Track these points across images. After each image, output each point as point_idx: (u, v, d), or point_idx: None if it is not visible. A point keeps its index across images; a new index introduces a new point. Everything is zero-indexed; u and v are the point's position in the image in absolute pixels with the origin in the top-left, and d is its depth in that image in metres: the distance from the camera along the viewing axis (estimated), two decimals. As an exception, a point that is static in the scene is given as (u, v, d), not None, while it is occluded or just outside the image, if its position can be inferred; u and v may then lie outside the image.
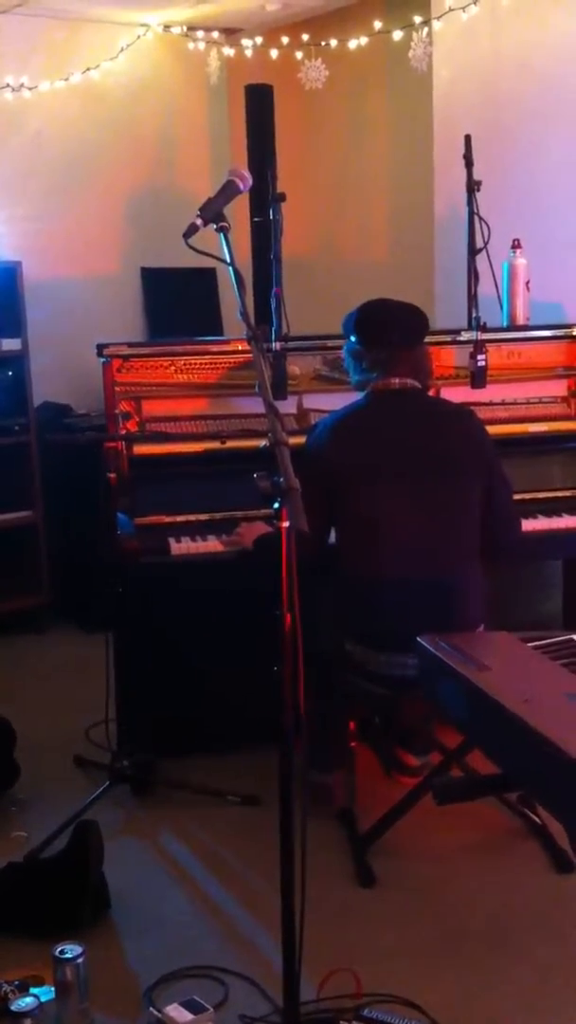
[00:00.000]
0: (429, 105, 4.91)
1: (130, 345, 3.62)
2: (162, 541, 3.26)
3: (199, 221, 2.32)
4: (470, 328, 3.68)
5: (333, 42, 5.10)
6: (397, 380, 3.03)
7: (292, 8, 5.26)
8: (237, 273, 2.25)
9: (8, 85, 5.19)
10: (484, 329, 3.67)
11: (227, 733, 3.61)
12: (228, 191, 2.39)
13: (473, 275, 3.70)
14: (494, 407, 3.76)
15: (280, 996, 2.20)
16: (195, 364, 3.60)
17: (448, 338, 3.72)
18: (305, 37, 5.13)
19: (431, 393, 3.56)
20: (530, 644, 2.38)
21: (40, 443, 5.02)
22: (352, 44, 5.07)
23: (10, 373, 4.95)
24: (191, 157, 5.83)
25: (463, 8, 4.56)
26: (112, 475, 3.40)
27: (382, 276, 5.54)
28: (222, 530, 3.30)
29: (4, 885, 2.74)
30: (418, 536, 2.93)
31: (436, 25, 4.71)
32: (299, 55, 5.10)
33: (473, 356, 3.66)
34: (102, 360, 3.52)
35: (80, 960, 2.33)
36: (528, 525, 3.41)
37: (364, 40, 5.04)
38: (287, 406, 3.59)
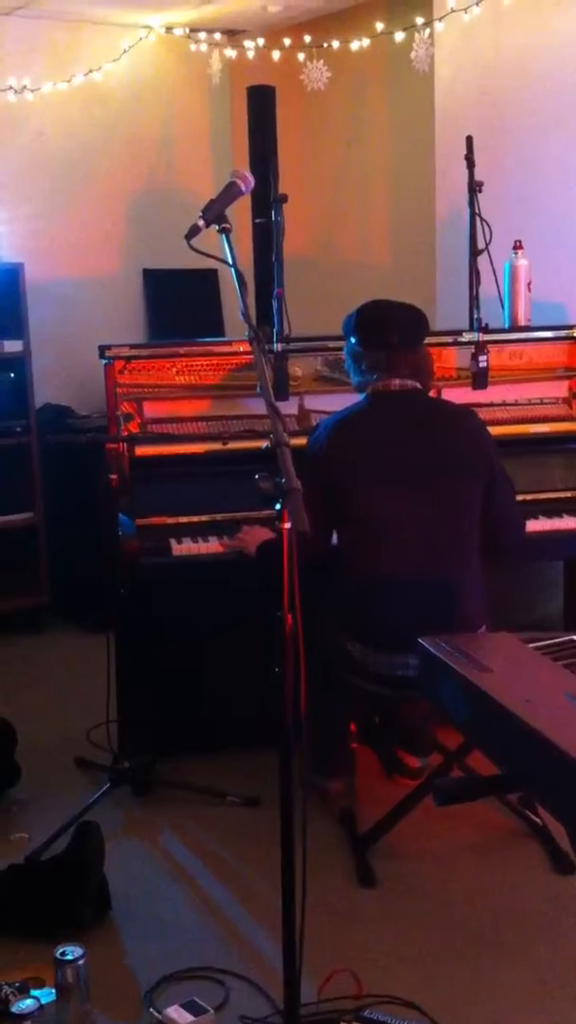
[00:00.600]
0: (431, 106, 4.92)
1: (132, 346, 3.63)
2: (163, 542, 3.26)
3: (201, 222, 2.32)
4: (471, 329, 3.68)
5: (335, 43, 5.11)
6: (397, 381, 3.03)
7: (294, 9, 5.27)
8: (239, 274, 2.25)
9: (11, 87, 5.19)
10: (485, 330, 3.68)
11: (228, 734, 3.61)
12: (230, 192, 2.39)
13: (474, 276, 3.70)
14: (495, 408, 3.76)
15: (281, 997, 2.20)
16: (197, 365, 3.60)
17: (449, 339, 3.72)
18: (307, 38, 5.14)
19: (432, 394, 3.56)
20: (531, 645, 2.38)
21: (41, 444, 5.02)
22: (354, 45, 5.07)
23: (12, 374, 4.95)
24: (193, 158, 5.84)
25: (465, 9, 4.56)
26: (113, 476, 3.40)
27: (383, 277, 5.54)
28: (223, 531, 3.30)
29: (5, 886, 2.74)
30: (419, 537, 2.93)
31: (438, 26, 4.72)
32: (301, 56, 5.10)
33: (474, 357, 3.66)
34: (104, 361, 3.52)
35: (81, 962, 2.33)
36: (529, 526, 3.40)
37: (366, 41, 5.04)
38: (288, 407, 3.59)
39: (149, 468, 3.45)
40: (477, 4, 4.52)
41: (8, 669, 4.62)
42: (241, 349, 3.60)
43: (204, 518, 3.38)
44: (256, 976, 2.48)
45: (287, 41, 5.16)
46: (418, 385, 3.07)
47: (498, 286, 3.93)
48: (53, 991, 2.35)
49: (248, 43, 5.26)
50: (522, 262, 3.94)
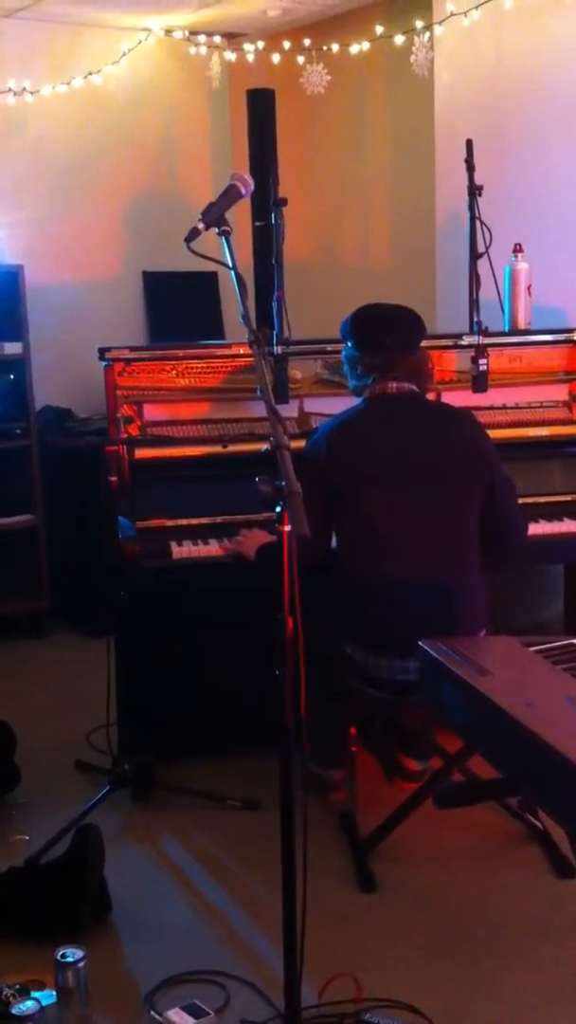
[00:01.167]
0: (430, 110, 4.92)
1: (132, 349, 3.63)
2: (163, 545, 3.26)
3: (201, 225, 2.33)
4: (471, 332, 3.68)
5: (335, 47, 5.11)
6: (395, 385, 3.03)
7: (294, 13, 5.27)
8: (239, 277, 2.26)
9: (10, 89, 5.19)
10: (486, 333, 3.68)
11: (228, 737, 3.61)
12: (230, 195, 2.39)
13: (474, 279, 3.71)
14: (495, 411, 3.77)
15: (281, 1000, 2.20)
16: (196, 368, 3.61)
17: (450, 342, 3.72)
18: (307, 42, 5.14)
19: (432, 397, 3.56)
20: (532, 648, 2.38)
21: (41, 447, 5.02)
22: (354, 49, 5.08)
23: (11, 377, 4.95)
24: (193, 161, 5.84)
25: (464, 13, 4.57)
26: (113, 479, 3.40)
27: (383, 280, 5.54)
28: (223, 534, 3.30)
29: (4, 889, 2.74)
30: (418, 540, 2.93)
31: (438, 30, 4.72)
32: (301, 60, 5.11)
33: (474, 360, 3.66)
34: (103, 364, 3.52)
35: (81, 964, 2.33)
36: (530, 529, 3.40)
37: (366, 45, 5.04)
38: (288, 410, 3.59)
39: (149, 471, 3.45)
40: (477, 8, 4.52)
41: (8, 672, 4.61)
42: (241, 352, 3.61)
43: (204, 521, 3.38)
44: (257, 979, 2.48)
45: (287, 44, 5.16)
46: (416, 388, 3.07)
47: (498, 290, 3.94)
48: (53, 993, 2.36)
49: (248, 46, 5.26)
50: (522, 266, 3.95)
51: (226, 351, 3.65)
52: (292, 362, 3.59)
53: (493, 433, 3.19)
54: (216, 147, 5.91)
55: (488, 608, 3.04)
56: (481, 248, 3.71)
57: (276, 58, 5.17)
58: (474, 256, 3.72)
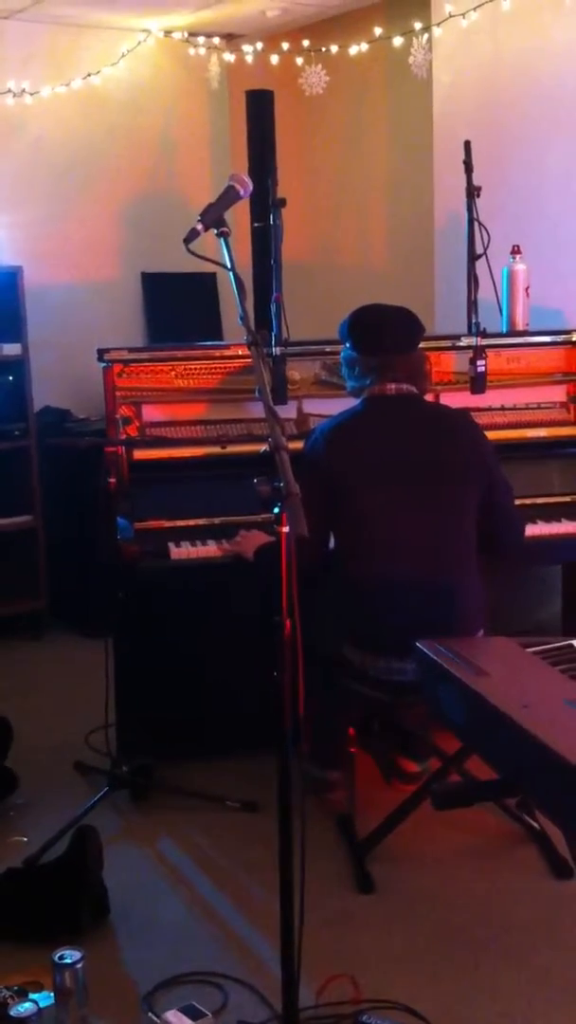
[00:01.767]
0: (429, 111, 4.92)
1: (130, 350, 3.63)
2: (162, 545, 3.26)
3: (200, 226, 2.33)
4: (470, 334, 3.68)
5: (333, 48, 5.11)
6: (393, 386, 3.03)
7: (292, 14, 5.27)
8: (237, 278, 2.26)
9: (10, 90, 5.20)
10: (484, 335, 3.68)
11: (226, 738, 3.61)
12: (228, 196, 2.39)
13: (473, 281, 3.71)
14: (493, 412, 3.77)
15: (279, 1002, 2.20)
16: (195, 369, 3.60)
17: (448, 343, 3.72)
18: (305, 43, 5.15)
19: (430, 398, 3.56)
20: (529, 649, 2.38)
21: (40, 447, 5.02)
22: (352, 50, 5.08)
23: (10, 377, 4.95)
24: (191, 162, 5.84)
25: (463, 14, 4.57)
26: (112, 479, 3.40)
27: (382, 281, 5.55)
28: (222, 535, 3.30)
29: (3, 890, 2.74)
30: (416, 541, 2.93)
31: (436, 31, 4.72)
32: (299, 61, 5.11)
33: (473, 361, 3.66)
34: (102, 365, 3.52)
35: (79, 965, 2.33)
36: (528, 530, 3.40)
37: (364, 46, 5.05)
38: (287, 411, 3.59)
39: (147, 471, 3.45)
40: (475, 9, 4.52)
41: (7, 673, 4.61)
42: (240, 353, 3.61)
43: (202, 522, 3.38)
44: (254, 980, 2.48)
45: (285, 45, 5.17)
46: (414, 389, 3.07)
47: (496, 291, 3.94)
48: (51, 995, 2.35)
49: (247, 47, 5.27)
50: (520, 267, 3.95)
51: (225, 352, 3.65)
52: (291, 363, 3.59)
53: (491, 434, 3.19)
54: (215, 148, 5.91)
55: (486, 609, 3.04)
56: (479, 249, 3.72)
57: (275, 59, 5.18)
58: (472, 257, 3.72)
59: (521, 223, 4.32)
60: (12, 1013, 2.26)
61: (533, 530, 3.43)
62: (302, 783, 2.17)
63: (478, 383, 3.67)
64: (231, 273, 2.25)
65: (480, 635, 2.98)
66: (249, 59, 5.25)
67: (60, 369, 5.29)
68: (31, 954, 2.54)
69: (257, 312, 4.16)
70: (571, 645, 2.40)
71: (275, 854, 2.11)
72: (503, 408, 3.79)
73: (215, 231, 2.32)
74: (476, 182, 3.74)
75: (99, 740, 3.64)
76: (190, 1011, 2.33)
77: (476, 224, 3.71)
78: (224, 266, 2.28)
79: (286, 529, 2.01)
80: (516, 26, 4.47)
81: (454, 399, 3.67)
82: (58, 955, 2.34)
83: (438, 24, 4.70)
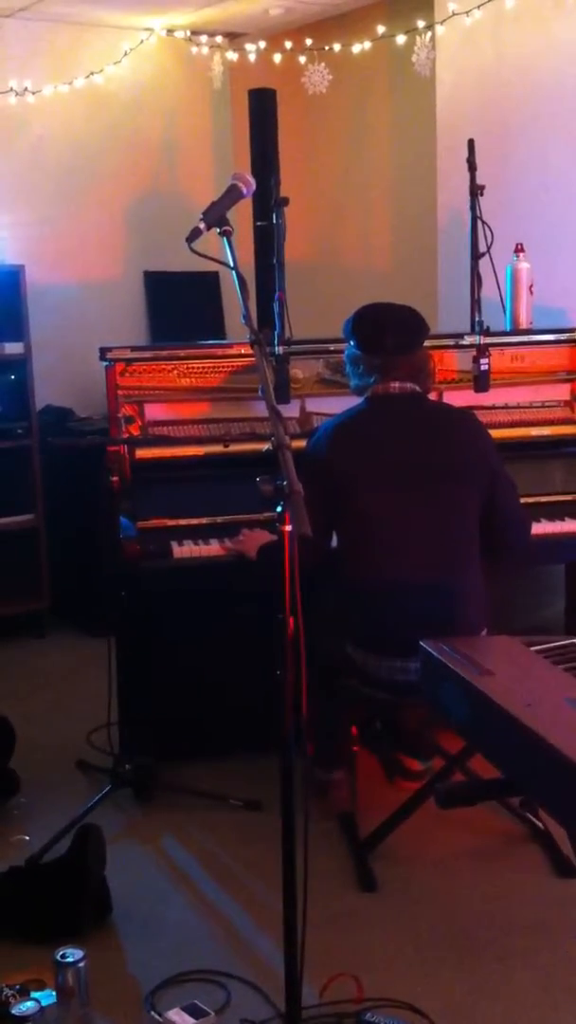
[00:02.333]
0: (432, 109, 4.92)
1: (133, 349, 3.62)
2: (164, 545, 3.26)
3: (202, 225, 2.33)
4: (473, 332, 3.68)
5: (336, 46, 5.11)
6: (396, 384, 3.02)
7: (295, 12, 5.27)
8: (240, 277, 2.25)
9: (12, 89, 5.19)
10: (487, 333, 3.68)
11: (229, 737, 3.60)
12: (231, 195, 2.39)
13: (476, 279, 3.70)
14: (497, 411, 3.76)
15: (282, 1000, 2.20)
16: (198, 368, 3.60)
17: (451, 342, 3.72)
18: (308, 41, 5.14)
19: (434, 397, 3.56)
20: (533, 648, 2.38)
21: (42, 447, 5.02)
22: (355, 48, 5.08)
23: (13, 377, 4.95)
24: (194, 161, 5.84)
25: (466, 13, 4.56)
26: (114, 479, 3.40)
27: (385, 280, 5.54)
28: (224, 534, 3.30)
29: (5, 889, 2.74)
30: (419, 540, 2.92)
31: (439, 30, 4.72)
32: (302, 59, 5.11)
33: (476, 360, 3.66)
34: (105, 364, 3.52)
35: (81, 964, 2.32)
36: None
37: (367, 44, 5.04)
38: (290, 410, 3.59)
39: (150, 470, 3.44)
40: (479, 8, 4.52)
41: (9, 672, 4.62)
42: (242, 352, 3.60)
43: (205, 521, 3.38)
44: (257, 979, 2.48)
45: (288, 44, 5.16)
46: (417, 388, 3.06)
47: (500, 289, 3.94)
48: (53, 993, 2.35)
49: (249, 46, 5.26)
50: (523, 265, 3.95)
51: (227, 351, 3.65)
52: (293, 362, 3.58)
53: (495, 433, 3.19)
54: (217, 147, 5.91)
55: (489, 608, 3.04)
56: (483, 248, 3.71)
57: (278, 58, 5.17)
58: (476, 256, 3.71)
59: (524, 221, 4.32)
60: (14, 1012, 2.26)
61: (537, 529, 3.42)
62: (305, 783, 2.16)
63: (481, 382, 3.67)
64: (234, 272, 2.25)
65: (483, 634, 2.98)
66: (252, 58, 5.24)
67: (62, 368, 5.29)
68: (33, 953, 2.54)
69: (260, 311, 4.16)
70: (574, 644, 2.40)
71: (278, 852, 2.11)
72: (506, 407, 3.79)
73: (218, 230, 2.31)
74: (479, 180, 3.73)
75: (101, 739, 3.64)
76: (193, 1010, 2.33)
77: (479, 222, 3.70)
78: (227, 265, 2.28)
79: (289, 528, 2.01)
80: (519, 24, 4.46)
81: (457, 398, 3.67)
82: (60, 954, 2.34)
83: (441, 22, 4.70)
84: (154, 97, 5.67)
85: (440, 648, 2.40)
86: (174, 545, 3.26)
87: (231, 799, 3.31)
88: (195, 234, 2.32)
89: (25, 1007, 2.28)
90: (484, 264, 3.72)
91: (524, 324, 3.97)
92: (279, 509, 2.03)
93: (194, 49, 5.50)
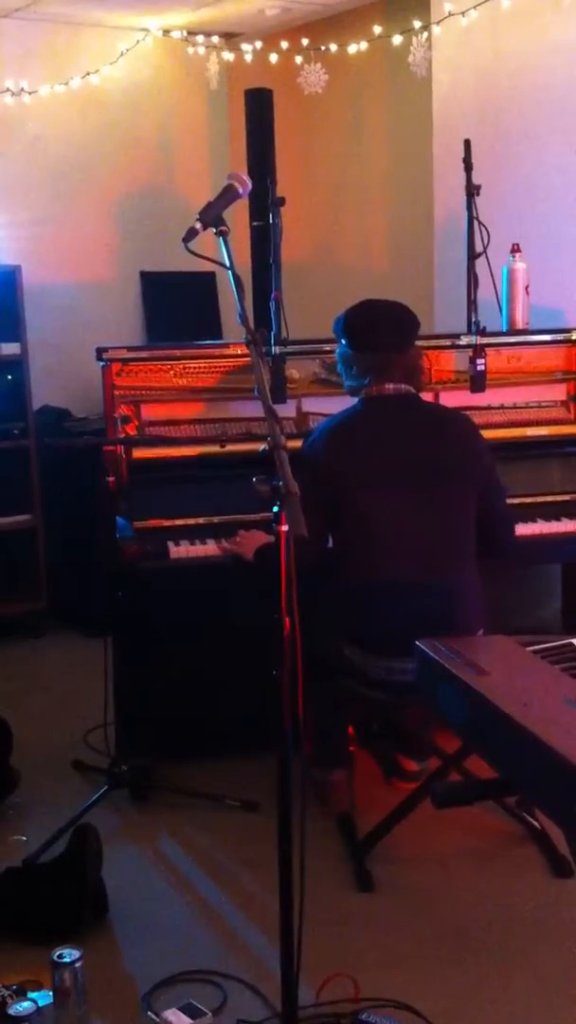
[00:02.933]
0: (428, 110, 4.92)
1: (129, 349, 3.63)
2: (161, 545, 3.26)
3: (199, 225, 2.32)
4: (470, 332, 3.68)
5: (333, 47, 5.11)
6: (391, 386, 3.02)
7: (292, 13, 5.27)
8: (236, 277, 2.25)
9: (8, 89, 5.19)
10: (483, 333, 3.68)
11: (226, 737, 3.60)
12: (227, 195, 2.39)
13: (472, 279, 3.70)
14: (493, 411, 3.77)
15: (278, 1001, 2.20)
16: (194, 368, 3.60)
17: (447, 342, 3.72)
18: (305, 42, 5.14)
19: (430, 397, 3.56)
20: (529, 648, 2.38)
21: (39, 447, 5.01)
22: (352, 49, 5.08)
23: (9, 377, 4.95)
24: (190, 161, 5.84)
25: (463, 13, 4.57)
26: (111, 479, 3.40)
27: (381, 280, 5.54)
28: (221, 534, 3.30)
29: (2, 889, 2.74)
30: (415, 541, 2.93)
31: (436, 30, 4.72)
32: (299, 60, 5.11)
33: (472, 360, 3.66)
34: (101, 364, 3.52)
35: (78, 964, 2.32)
36: (527, 529, 3.41)
37: (364, 45, 5.04)
38: (286, 410, 3.59)
39: (147, 471, 3.44)
40: (475, 8, 4.52)
41: (6, 672, 4.61)
42: (239, 352, 3.60)
43: (201, 521, 3.38)
44: (254, 979, 2.48)
45: (285, 44, 5.16)
46: (412, 389, 3.06)
47: (496, 289, 3.93)
48: (50, 994, 2.35)
49: (246, 46, 5.26)
50: (520, 266, 3.95)
51: (224, 351, 3.65)
52: (290, 362, 3.59)
53: (491, 433, 3.19)
54: (214, 147, 5.91)
55: (485, 608, 3.04)
56: (479, 248, 3.71)
57: (274, 58, 5.17)
58: (472, 256, 3.72)
59: (521, 222, 4.32)
60: (11, 1012, 2.26)
61: (533, 529, 3.43)
62: (302, 783, 2.16)
63: (478, 382, 3.67)
64: (230, 272, 2.25)
65: (480, 634, 2.98)
66: (248, 58, 5.24)
67: (59, 368, 5.29)
68: (30, 953, 2.54)
69: (256, 311, 4.16)
70: (571, 644, 2.40)
71: (275, 852, 2.11)
72: (503, 407, 3.79)
73: (214, 230, 2.31)
74: (476, 180, 3.74)
75: (98, 739, 3.64)
76: (189, 1010, 2.33)
77: (476, 223, 3.71)
78: (223, 265, 2.28)
79: (285, 528, 2.01)
80: (515, 25, 4.46)
81: (454, 398, 3.67)
82: (57, 954, 2.34)
83: (437, 23, 4.70)
84: (150, 97, 5.67)
85: (437, 648, 2.40)
86: (171, 545, 3.26)
87: (228, 799, 3.31)
88: (191, 234, 2.31)
89: (22, 1007, 2.28)
90: (480, 264, 3.72)
91: (520, 324, 3.97)
92: (275, 509, 2.03)
93: (190, 49, 5.49)
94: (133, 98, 5.61)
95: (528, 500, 3.51)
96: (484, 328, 3.68)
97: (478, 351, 3.66)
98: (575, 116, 4.31)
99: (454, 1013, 2.37)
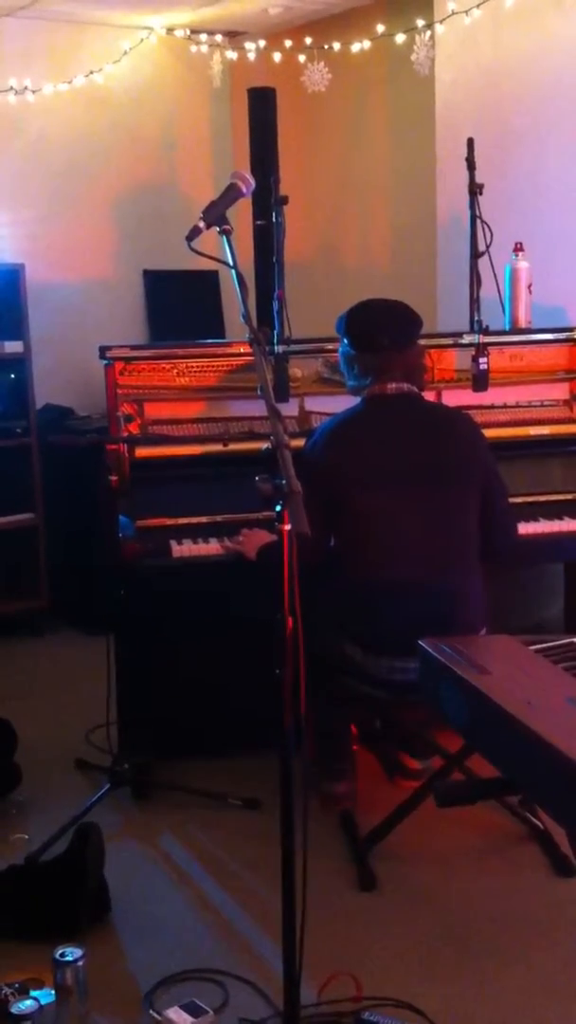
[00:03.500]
0: (431, 108, 4.92)
1: (132, 348, 3.63)
2: (163, 544, 3.26)
3: (202, 224, 2.32)
4: (472, 331, 3.68)
5: (336, 45, 5.11)
6: (393, 385, 3.02)
7: (295, 11, 5.27)
8: (239, 276, 2.25)
9: (11, 88, 5.19)
10: (486, 332, 3.68)
11: (228, 736, 3.60)
12: (231, 194, 2.39)
13: (475, 278, 3.70)
14: (496, 410, 3.76)
15: (280, 999, 2.20)
16: (197, 367, 3.60)
17: (450, 341, 3.72)
18: (308, 40, 5.14)
19: (433, 396, 3.56)
20: (532, 647, 2.38)
21: (41, 445, 5.02)
22: (355, 47, 5.07)
23: (12, 375, 4.95)
24: (194, 160, 5.84)
25: (466, 12, 4.56)
26: (114, 478, 3.40)
27: (384, 279, 5.54)
28: (224, 533, 3.30)
29: (4, 887, 2.74)
30: (417, 540, 2.92)
31: (439, 29, 4.72)
32: (302, 58, 5.10)
33: (475, 359, 3.66)
34: (104, 362, 3.52)
35: (80, 963, 2.33)
36: (529, 528, 3.40)
37: (367, 43, 5.04)
38: (289, 408, 3.59)
39: (149, 469, 3.44)
40: (478, 7, 4.52)
41: (8, 671, 4.61)
42: (241, 351, 3.60)
43: (204, 519, 3.38)
44: (256, 978, 2.48)
45: (288, 43, 5.16)
46: (414, 388, 3.06)
47: (499, 288, 3.93)
48: (52, 992, 2.35)
49: (249, 45, 5.26)
50: (523, 264, 3.95)
51: (227, 350, 3.65)
52: (293, 361, 3.58)
53: (493, 432, 3.19)
54: (217, 146, 5.91)
55: (488, 607, 3.04)
56: (482, 247, 3.71)
57: (277, 57, 5.17)
58: (475, 255, 3.71)
59: (524, 220, 4.32)
60: (13, 1010, 2.26)
61: (535, 528, 3.42)
62: (305, 782, 2.16)
63: (480, 381, 3.67)
64: (233, 271, 2.25)
65: (482, 633, 2.98)
66: (251, 57, 5.24)
67: (62, 367, 5.29)
68: (32, 951, 2.54)
69: (259, 310, 4.16)
70: (574, 643, 2.40)
71: (277, 851, 2.11)
72: (505, 406, 3.79)
73: (217, 229, 2.31)
74: (478, 179, 3.73)
75: (100, 738, 3.64)
76: (191, 1008, 2.33)
77: (478, 221, 3.70)
78: (226, 264, 2.28)
79: (288, 527, 2.01)
80: (518, 24, 4.46)
81: (456, 397, 3.67)
82: (59, 952, 2.34)
83: (440, 21, 4.70)
84: (154, 96, 5.67)
85: (439, 647, 2.40)
86: (173, 544, 3.26)
87: (230, 798, 3.31)
88: (195, 233, 2.32)
89: (24, 1006, 2.28)
90: (483, 263, 3.72)
91: (523, 323, 3.96)
92: (278, 508, 2.03)
93: (194, 48, 5.49)
94: (136, 97, 5.61)
95: (530, 499, 3.51)
96: (487, 327, 3.68)
97: (480, 350, 3.66)
98: (578, 115, 4.31)
99: (455, 1012, 2.37)
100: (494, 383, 3.72)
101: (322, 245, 6.01)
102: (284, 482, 2.01)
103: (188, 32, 5.46)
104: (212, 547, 3.27)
